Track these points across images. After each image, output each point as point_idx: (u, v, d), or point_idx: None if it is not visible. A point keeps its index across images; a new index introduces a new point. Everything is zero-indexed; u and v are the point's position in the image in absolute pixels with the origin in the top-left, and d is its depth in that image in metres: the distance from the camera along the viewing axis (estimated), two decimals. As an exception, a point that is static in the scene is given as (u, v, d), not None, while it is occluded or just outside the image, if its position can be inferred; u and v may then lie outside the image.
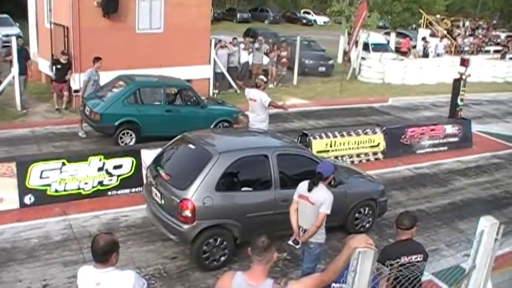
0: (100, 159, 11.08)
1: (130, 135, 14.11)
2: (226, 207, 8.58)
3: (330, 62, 28.43)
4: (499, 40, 39.69)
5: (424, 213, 11.91)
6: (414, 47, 34.25)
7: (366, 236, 4.42)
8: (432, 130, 16.25)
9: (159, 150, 11.10)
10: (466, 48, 35.78)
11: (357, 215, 10.30)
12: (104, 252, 4.64)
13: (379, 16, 33.91)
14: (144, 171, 11.22)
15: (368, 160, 14.83)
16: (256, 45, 23.17)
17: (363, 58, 28.78)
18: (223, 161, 8.54)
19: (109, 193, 11.23)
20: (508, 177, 15.02)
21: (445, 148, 16.54)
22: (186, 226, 8.30)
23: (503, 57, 35.80)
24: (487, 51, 37.24)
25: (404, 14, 34.90)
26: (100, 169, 11.08)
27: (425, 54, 31.66)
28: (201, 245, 8.52)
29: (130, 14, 18.26)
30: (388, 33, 38.74)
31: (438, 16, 37.74)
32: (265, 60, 23.37)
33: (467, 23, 40.28)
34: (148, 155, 11.41)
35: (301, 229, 7.48)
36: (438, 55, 31.59)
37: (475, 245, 6.06)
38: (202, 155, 8.80)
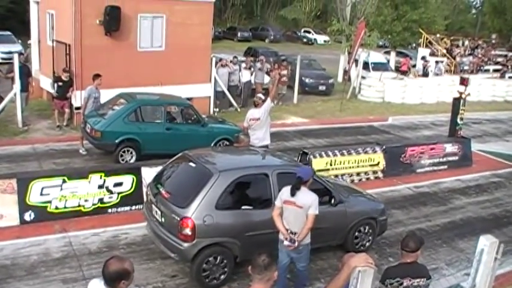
0: (101, 177, 11.09)
1: (131, 152, 14.14)
2: (226, 226, 8.55)
3: (330, 81, 28.55)
4: (499, 59, 39.83)
5: (424, 232, 11.87)
6: (414, 66, 34.39)
7: (366, 255, 4.44)
8: (432, 149, 16.28)
9: (159, 168, 11.16)
10: (466, 68, 35.87)
11: (356, 233, 10.26)
12: (111, 279, 4.55)
13: (379, 35, 34.19)
14: (144, 189, 11.24)
15: (368, 179, 14.83)
16: (258, 64, 23.31)
17: (363, 77, 28.92)
18: (223, 180, 8.54)
19: (109, 210, 11.22)
20: (508, 196, 15.01)
21: (445, 167, 16.56)
22: (186, 244, 8.29)
23: (502, 76, 35.95)
24: (487, 70, 37.38)
25: (404, 34, 35.18)
26: (100, 186, 11.08)
27: (425, 74, 31.77)
28: (201, 263, 8.48)
29: (132, 32, 18.36)
30: (388, 53, 38.97)
31: (438, 35, 37.93)
32: (266, 79, 23.48)
33: (466, 42, 40.40)
34: (148, 173, 11.45)
35: (289, 231, 7.75)
36: (437, 74, 31.71)
37: (475, 264, 6.09)
38: (202, 173, 8.82)
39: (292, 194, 7.73)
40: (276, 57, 29.86)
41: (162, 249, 8.91)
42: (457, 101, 17.63)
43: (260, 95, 13.56)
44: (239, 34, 55.48)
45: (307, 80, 26.95)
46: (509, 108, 29.92)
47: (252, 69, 23.16)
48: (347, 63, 28.37)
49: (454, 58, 35.96)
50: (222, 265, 8.71)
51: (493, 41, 43.94)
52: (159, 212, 8.93)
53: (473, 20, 69.78)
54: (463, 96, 17.35)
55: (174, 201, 8.70)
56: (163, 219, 8.82)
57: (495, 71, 37.45)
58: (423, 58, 33.41)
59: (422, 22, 35.48)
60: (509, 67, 38.50)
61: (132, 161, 14.01)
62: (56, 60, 18.22)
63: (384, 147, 15.35)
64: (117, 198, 11.27)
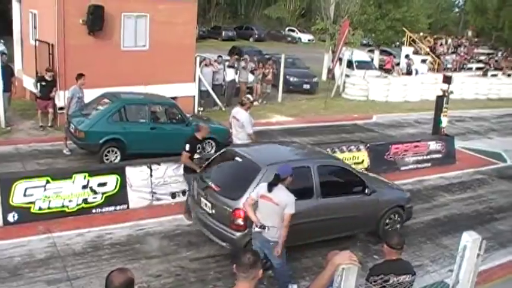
0: (84, 177, 11.03)
1: (116, 152, 14.08)
2: None
3: (314, 79, 28.61)
4: (481, 57, 40.17)
5: (408, 229, 11.94)
6: (398, 64, 34.55)
7: (350, 253, 4.44)
8: (416, 147, 16.40)
9: (144, 167, 11.26)
10: (449, 66, 36.12)
11: (387, 221, 10.99)
12: None
13: (363, 34, 34.28)
14: (128, 189, 11.41)
15: (352, 177, 14.88)
16: (243, 63, 23.30)
17: (347, 75, 29.01)
18: (270, 173, 8.77)
19: (93, 211, 11.16)
20: (491, 193, 15.17)
21: (429, 164, 16.68)
22: (238, 234, 8.93)
23: (485, 74, 36.26)
24: (470, 69, 37.67)
25: (387, 32, 35.31)
26: (84, 187, 11.03)
27: (409, 72, 31.92)
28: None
29: (115, 31, 18.29)
30: (372, 51, 39.12)
31: (421, 34, 38.15)
32: (251, 78, 23.48)
33: (449, 41, 40.67)
34: (133, 173, 11.46)
35: (261, 226, 7.89)
36: (417, 73, 31.86)
37: (458, 261, 6.10)
38: (250, 167, 9.46)
39: (269, 190, 7.86)
40: (260, 56, 29.86)
41: (211, 238, 9.51)
42: (440, 99, 17.75)
43: (249, 95, 13.59)
44: (223, 33, 55.35)
45: (291, 79, 27.02)
46: (491, 106, 30.27)
47: (237, 68, 23.11)
48: (331, 62, 28.45)
49: (438, 56, 36.17)
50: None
51: (472, 38, 44.31)
52: (208, 204, 9.51)
53: (456, 19, 70.23)
54: (446, 94, 17.48)
55: (225, 193, 9.26)
56: (213, 211, 9.39)
57: (478, 69, 37.77)
58: (407, 56, 33.56)
59: (406, 21, 35.64)
60: (492, 65, 38.86)
61: (116, 161, 13.94)
62: (39, 60, 18.09)
63: (368, 145, 15.43)
64: (102, 198, 11.21)
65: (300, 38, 62.56)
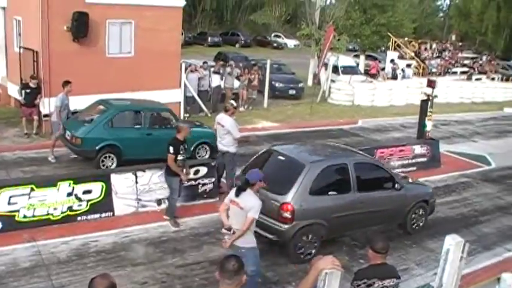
0: (69, 184, 10.97)
1: (112, 158, 14.12)
2: (317, 209, 10.10)
3: (300, 84, 28.71)
4: (466, 62, 40.54)
5: (394, 233, 11.98)
6: (383, 69, 34.77)
7: (333, 258, 4.46)
8: (401, 151, 16.51)
9: (129, 174, 11.25)
10: (434, 70, 36.41)
11: (413, 215, 11.91)
12: None
13: (349, 39, 34.49)
14: (113, 196, 11.37)
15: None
16: (228, 69, 23.33)
17: (332, 81, 29.11)
18: (314, 170, 10.08)
19: (78, 218, 11.09)
20: (476, 196, 15.29)
21: (414, 168, 16.76)
22: (286, 226, 9.78)
23: (469, 78, 36.63)
24: (454, 73, 38.01)
25: (373, 37, 35.64)
26: (69, 194, 10.96)
27: (394, 76, 32.12)
28: (297, 241, 9.97)
29: (100, 38, 18.23)
30: (357, 56, 39.35)
31: (406, 39, 38.42)
32: (236, 83, 23.51)
33: (434, 45, 41.01)
34: (118, 180, 11.42)
35: (232, 231, 7.83)
36: (404, 77, 32.08)
37: (441, 264, 6.16)
38: (295, 164, 10.38)
39: (237, 194, 7.84)
40: (246, 62, 29.90)
41: (258, 232, 9.58)
42: (424, 103, 17.87)
43: (232, 101, 13.59)
44: (209, 39, 55.38)
45: (277, 85, 27.08)
46: (476, 110, 30.54)
47: (222, 74, 23.13)
48: (317, 67, 28.55)
49: (423, 61, 36.43)
50: (313, 242, 10.19)
51: (456, 43, 44.66)
52: None
53: (440, 23, 70.65)
54: (431, 98, 17.59)
55: (271, 189, 9.67)
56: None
57: (462, 73, 38.14)
58: (392, 61, 33.79)
59: (391, 26, 35.95)
60: (476, 69, 39.25)
61: (113, 167, 13.96)
62: (24, 67, 17.99)
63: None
64: (87, 205, 11.15)
65: (286, 44, 62.74)
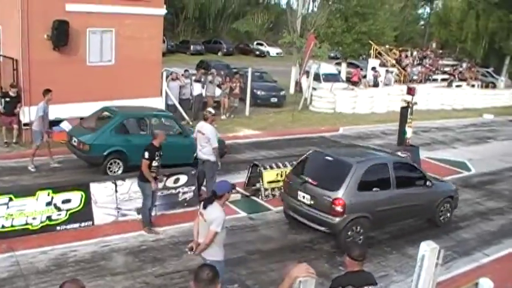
0: (48, 194, 10.92)
1: (118, 164, 14.42)
2: (363, 204, 11.23)
3: (282, 92, 28.76)
4: (446, 69, 40.92)
5: (374, 240, 12.07)
6: (365, 76, 34.94)
7: (307, 265, 4.48)
8: (382, 158, 16.51)
9: (108, 183, 11.23)
10: (415, 77, 36.66)
11: (441, 209, 13.18)
12: None
13: (330, 47, 34.65)
14: (93, 205, 11.33)
15: (319, 189, 14.95)
16: (210, 77, 23.34)
17: (314, 88, 29.20)
18: (360, 169, 11.28)
19: (58, 228, 11.02)
20: (455, 202, 15.36)
21: (395, 175, 16.79)
22: (337, 219, 10.88)
23: (450, 85, 37.00)
24: (435, 80, 38.34)
25: (354, 45, 35.73)
26: (48, 204, 10.90)
27: (376, 84, 32.33)
28: (346, 233, 11.03)
29: (80, 46, 18.20)
30: (339, 64, 39.50)
31: (387, 46, 38.69)
32: (218, 92, 23.53)
33: (415, 53, 41.33)
34: (97, 189, 11.39)
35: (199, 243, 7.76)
36: (387, 84, 32.33)
37: (417, 270, 6.24)
38: (342, 164, 11.54)
39: (204, 206, 7.66)
40: (227, 70, 29.94)
41: (308, 225, 11.49)
42: (404, 110, 17.99)
43: (210, 109, 13.61)
44: (192, 47, 55.31)
45: (258, 93, 27.13)
46: (456, 116, 30.81)
47: (203, 82, 23.15)
48: (298, 75, 28.66)
49: (404, 68, 36.70)
50: (360, 233, 11.27)
51: (436, 50, 45.08)
52: (307, 196, 11.35)
53: (421, 31, 71.20)
54: (410, 105, 17.73)
55: (323, 186, 11.18)
56: (312, 202, 11.25)
57: (443, 80, 38.50)
58: (373, 69, 33.99)
59: (372, 34, 36.09)
60: (456, 76, 39.62)
61: (119, 172, 14.28)
62: (3, 76, 17.92)
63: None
64: (66, 215, 11.09)
65: (268, 52, 62.86)
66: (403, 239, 12.35)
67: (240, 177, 14.97)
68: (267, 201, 13.73)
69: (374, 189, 11.54)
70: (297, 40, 32.32)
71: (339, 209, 10.84)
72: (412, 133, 18.55)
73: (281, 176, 14.01)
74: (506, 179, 16.98)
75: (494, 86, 43.48)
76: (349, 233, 11.09)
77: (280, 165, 14.25)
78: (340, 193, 10.89)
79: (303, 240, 11.71)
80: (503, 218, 14.63)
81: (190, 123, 21.17)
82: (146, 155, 10.79)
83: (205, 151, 12.50)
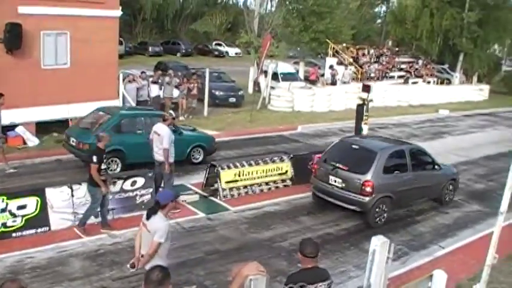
0: (3, 200, 10.73)
1: (116, 162, 15.10)
2: (388, 185, 12.94)
3: (240, 92, 28.89)
4: (402, 66, 41.57)
5: (332, 236, 12.25)
6: (322, 75, 35.24)
7: (257, 264, 4.54)
8: (338, 155, 16.74)
9: (64, 188, 11.12)
10: (372, 75, 37.16)
11: (446, 190, 14.96)
12: None
13: (288, 46, 34.84)
14: (49, 211, 11.19)
15: (277, 187, 15.07)
16: (167, 79, 23.23)
17: (272, 88, 29.32)
18: (384, 155, 13.13)
19: (13, 234, 10.84)
20: (413, 196, 15.63)
21: (352, 172, 17.03)
22: (367, 198, 12.59)
23: (406, 82, 37.63)
24: (392, 77, 38.91)
25: (311, 44, 35.97)
26: (3, 210, 10.71)
27: (333, 82, 32.63)
28: (374, 210, 12.81)
29: (34, 49, 17.95)
30: (297, 63, 39.73)
31: (344, 45, 39.08)
32: (176, 93, 23.45)
33: (372, 51, 41.85)
34: (53, 194, 11.26)
35: (142, 255, 7.38)
36: (344, 82, 32.68)
37: (368, 265, 6.34)
38: (367, 151, 13.33)
39: (147, 217, 7.29)
40: (185, 71, 29.86)
41: (339, 204, 13.17)
42: (360, 108, 18.24)
43: (171, 111, 13.59)
44: (150, 49, 54.92)
45: (217, 93, 27.16)
46: (413, 112, 31.35)
47: (161, 83, 23.04)
48: (257, 75, 28.75)
49: (361, 66, 37.14)
50: (385, 210, 13.09)
51: (393, 48, 45.77)
52: (339, 180, 13.04)
53: (378, 29, 72.05)
54: (366, 102, 17.98)
55: (354, 171, 12.92)
56: (344, 184, 12.93)
57: (399, 77, 39.11)
58: (331, 67, 34.31)
59: (329, 32, 36.43)
60: (412, 73, 40.32)
61: (117, 170, 14.92)
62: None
63: (291, 155, 15.66)
64: (22, 221, 10.92)
65: (227, 52, 62.82)
66: (360, 234, 12.51)
67: (198, 178, 15.01)
68: (226, 201, 13.76)
69: (395, 172, 13.32)
70: (254, 40, 32.42)
71: (368, 189, 12.54)
72: (368, 130, 18.87)
73: (239, 175, 14.10)
74: (461, 173, 17.31)
75: (450, 82, 44.42)
76: (376, 210, 12.86)
77: (238, 165, 14.28)
78: (369, 176, 12.61)
79: (262, 239, 11.76)
80: (458, 211, 14.99)
81: (149, 125, 21.05)
82: (95, 159, 10.73)
83: (161, 153, 12.48)
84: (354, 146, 13.78)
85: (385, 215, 13.11)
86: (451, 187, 15.14)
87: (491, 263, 7.70)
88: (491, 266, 7.77)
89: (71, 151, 15.60)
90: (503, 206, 7.50)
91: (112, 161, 14.88)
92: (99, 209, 11.36)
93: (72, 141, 15.28)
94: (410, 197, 13.90)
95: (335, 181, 13.11)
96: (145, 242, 7.32)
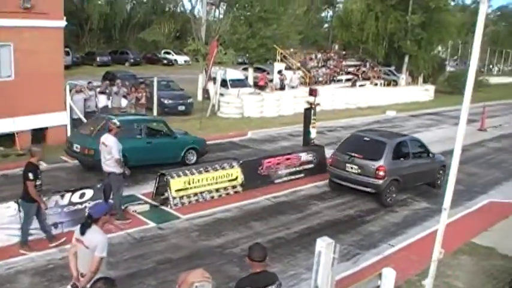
0: None
1: None
2: (396, 169, 15.21)
3: (189, 100, 28.84)
4: (350, 69, 42.23)
5: (283, 240, 12.32)
6: (271, 80, 35.48)
7: (202, 270, 4.58)
8: (288, 159, 16.90)
9: (11, 203, 11.06)
10: (320, 79, 37.61)
11: (438, 175, 17.18)
12: None
13: (236, 53, 34.93)
14: None
15: (228, 194, 15.04)
16: (115, 88, 23.00)
17: (221, 94, 29.39)
18: (392, 144, 15.50)
19: None
20: (361, 197, 15.84)
21: (302, 175, 17.27)
22: (380, 181, 14.92)
23: (353, 85, 38.24)
24: (340, 80, 39.49)
25: (259, 50, 36.12)
26: None
27: (282, 87, 32.89)
28: (386, 191, 15.13)
29: (-23, 62, 17.56)
30: (246, 69, 39.89)
31: (292, 50, 39.43)
32: (124, 102, 23.23)
33: (319, 55, 42.39)
34: (-1, 210, 11.03)
35: (81, 274, 7.03)
36: (293, 87, 32.98)
37: (315, 266, 6.44)
38: (377, 142, 15.64)
39: (82, 232, 7.00)
40: (134, 80, 29.62)
41: (356, 188, 15.50)
42: (308, 111, 18.46)
43: (115, 120, 13.45)
44: (98, 59, 54.29)
45: (165, 101, 27.05)
46: (361, 114, 31.86)
47: (109, 93, 22.81)
48: (205, 82, 28.77)
49: (309, 71, 37.55)
50: (394, 191, 15.39)
51: (339, 52, 46.47)
52: (355, 167, 15.30)
53: (325, 34, 73.08)
54: (313, 106, 18.21)
55: (368, 158, 15.22)
56: (360, 171, 15.20)
57: (347, 80, 39.72)
58: (279, 72, 34.57)
59: (276, 38, 36.68)
60: (360, 76, 41.01)
61: None
62: None
63: (241, 161, 15.72)
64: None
65: (176, 60, 62.71)
66: (311, 237, 12.53)
67: (148, 188, 14.93)
68: (176, 210, 13.69)
69: (400, 159, 15.50)
70: (202, 47, 32.41)
71: (381, 173, 14.82)
72: (316, 133, 19.10)
73: (189, 183, 14.06)
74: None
75: (396, 84, 45.36)
76: (388, 191, 15.09)
77: (188, 173, 14.24)
78: (382, 162, 14.90)
79: (213, 246, 11.76)
80: (407, 209, 15.39)
81: (97, 136, 20.82)
82: (30, 175, 10.38)
83: (109, 163, 12.37)
84: (365, 139, 16.10)
85: (394, 195, 15.29)
86: (441, 172, 17.20)
87: (437, 259, 7.89)
88: (437, 261, 7.96)
89: (74, 157, 16.57)
90: (446, 202, 7.71)
91: None
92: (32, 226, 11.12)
93: (76, 147, 16.18)
94: (413, 181, 15.96)
95: (351, 168, 15.34)
96: (84, 258, 6.99)
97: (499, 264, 11.55)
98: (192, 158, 18.01)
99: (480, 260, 11.73)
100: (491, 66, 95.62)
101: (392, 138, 16.22)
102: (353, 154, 15.37)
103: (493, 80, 65.82)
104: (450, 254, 11.30)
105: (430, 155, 16.80)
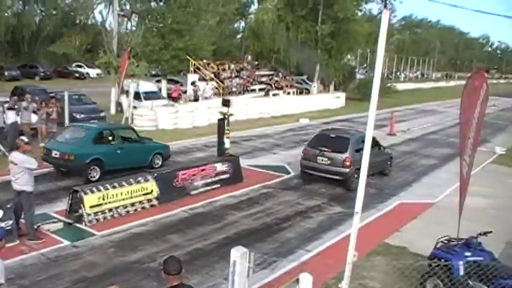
0: None
1: (96, 170, 17.25)
2: (357, 160, 14.81)
3: (102, 114, 28.24)
4: (263, 79, 42.79)
5: (200, 251, 12.32)
6: (185, 92, 35.44)
7: (116, 286, 4.55)
8: (203, 170, 16.92)
9: None
10: (234, 89, 37.91)
11: (385, 165, 20.73)
12: None
13: (148, 65, 34.72)
14: None
15: (144, 208, 14.81)
16: (24, 103, 22.27)
17: (134, 107, 29.02)
18: (354, 140, 18.36)
19: None
20: (277, 205, 16.21)
21: (218, 185, 17.31)
22: (347, 170, 17.94)
23: (267, 94, 38.81)
24: (253, 90, 39.94)
25: (172, 61, 36.08)
26: None
27: (196, 98, 32.92)
28: (351, 178, 17.71)
29: None
30: (159, 81, 39.69)
31: (204, 61, 39.56)
32: (34, 118, 22.55)
33: (232, 66, 42.71)
34: None
35: None
36: (206, 98, 33.08)
37: (230, 276, 6.51)
38: (343, 138, 18.73)
39: None
40: (44, 95, 28.78)
41: (327, 177, 18.35)
42: (221, 122, 18.59)
43: (23, 137, 13.08)
44: (6, 73, 52.34)
45: (78, 116, 26.37)
46: (275, 123, 32.36)
47: (18, 109, 22.05)
48: (118, 95, 28.41)
49: (222, 81, 37.77)
50: (357, 178, 14.88)
51: (252, 62, 47.03)
52: (325, 159, 18.24)
53: (238, 44, 73.60)
54: (226, 116, 18.36)
55: (336, 151, 18.17)
56: (329, 162, 18.16)
57: (261, 90, 40.23)
58: (193, 83, 34.59)
59: (189, 49, 36.74)
60: (273, 85, 41.65)
61: (97, 177, 17.05)
62: None
63: (156, 174, 15.58)
64: None
65: (88, 73, 61.50)
66: (228, 246, 12.45)
67: (61, 205, 14.54)
68: (91, 227, 13.37)
69: (360, 151, 15.81)
70: (114, 60, 32.02)
71: (348, 163, 17.86)
72: (231, 143, 19.26)
73: (103, 199, 13.79)
74: (321, 178, 18.33)
75: (309, 92, 46.36)
76: (352, 178, 17.38)
77: (102, 188, 13.95)
78: (347, 154, 17.93)
79: (130, 262, 11.59)
80: (322, 214, 15.73)
81: (7, 154, 20.04)
82: None
83: (20, 181, 11.98)
84: (332, 135, 19.20)
85: (357, 181, 15.70)
86: (389, 163, 21.11)
87: (351, 261, 8.12)
88: (352, 263, 8.20)
89: (52, 163, 17.56)
90: (358, 206, 7.97)
91: (92, 169, 17.08)
92: None
93: (55, 153, 17.14)
94: (370, 169, 16.92)
95: (322, 160, 18.29)
96: None
97: (410, 262, 12.03)
98: (158, 161, 19.45)
99: (393, 259, 12.12)
100: (398, 73, 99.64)
101: (354, 135, 19.19)
102: (323, 148, 18.30)
103: (401, 86, 68.62)
104: (364, 256, 11.65)
105: (381, 148, 20.28)
